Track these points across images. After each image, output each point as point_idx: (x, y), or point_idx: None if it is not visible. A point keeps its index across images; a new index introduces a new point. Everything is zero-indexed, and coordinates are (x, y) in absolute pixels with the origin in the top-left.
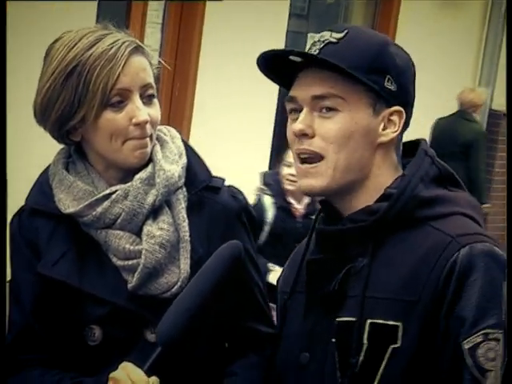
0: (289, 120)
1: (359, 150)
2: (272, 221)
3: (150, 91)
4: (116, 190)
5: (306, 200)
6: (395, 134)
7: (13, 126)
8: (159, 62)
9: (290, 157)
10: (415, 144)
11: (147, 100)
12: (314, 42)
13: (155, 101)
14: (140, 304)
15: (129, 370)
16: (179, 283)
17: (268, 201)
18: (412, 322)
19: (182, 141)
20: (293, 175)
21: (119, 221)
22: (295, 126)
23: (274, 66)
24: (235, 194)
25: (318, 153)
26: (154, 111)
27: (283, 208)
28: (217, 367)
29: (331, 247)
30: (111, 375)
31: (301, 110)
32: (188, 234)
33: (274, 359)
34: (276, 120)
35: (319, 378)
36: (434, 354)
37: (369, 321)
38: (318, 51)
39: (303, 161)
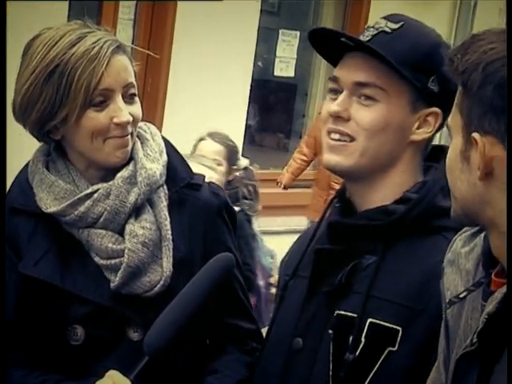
0: (327, 97)
1: (390, 143)
2: None
3: (132, 90)
4: (98, 189)
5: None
6: (428, 134)
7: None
8: (132, 48)
9: (199, 147)
10: (440, 149)
11: (129, 99)
12: (367, 27)
13: (136, 99)
14: (123, 303)
15: (115, 378)
16: (162, 282)
17: None
18: (414, 330)
19: (162, 138)
20: None
21: (101, 220)
22: (332, 106)
23: (325, 42)
24: (215, 190)
25: (350, 135)
26: (136, 110)
27: None
28: (199, 364)
29: (341, 240)
30: (97, 383)
31: (341, 92)
32: (170, 232)
33: (265, 339)
34: (248, 111)
35: (309, 366)
36: (431, 364)
37: (369, 319)
38: (369, 37)
39: (334, 139)
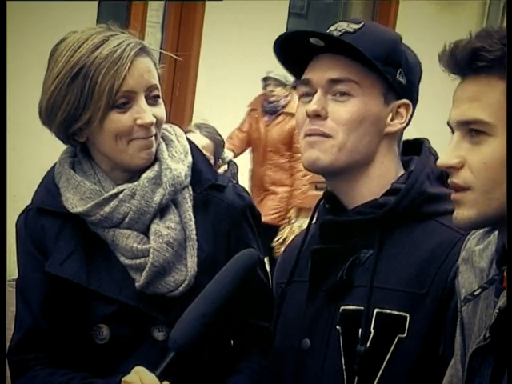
0: (298, 103)
1: (367, 136)
2: None
3: (155, 92)
4: (123, 189)
5: None
6: (402, 125)
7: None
8: (160, 54)
9: None
10: (417, 143)
11: (152, 101)
12: (329, 30)
13: (160, 101)
14: (147, 302)
15: (141, 374)
16: (186, 282)
17: None
18: (419, 314)
19: (187, 139)
20: None
21: (127, 220)
22: (309, 106)
23: (289, 50)
24: (240, 191)
25: (327, 134)
26: (159, 111)
27: None
28: (223, 365)
29: (336, 238)
30: (124, 379)
31: (313, 94)
32: (195, 232)
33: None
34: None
35: (320, 364)
36: (440, 347)
37: (376, 310)
38: (341, 36)
39: (310, 135)
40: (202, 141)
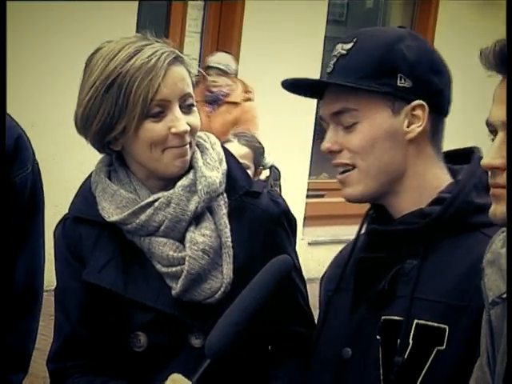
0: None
1: (388, 153)
2: None
3: (190, 101)
4: (159, 198)
5: None
6: (421, 127)
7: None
8: (199, 71)
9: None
10: (469, 151)
11: (186, 109)
12: (331, 56)
13: (194, 109)
14: (184, 310)
15: (177, 381)
16: (222, 289)
17: None
18: (459, 327)
19: (222, 147)
20: None
21: (162, 228)
22: (322, 145)
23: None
24: (275, 198)
25: (349, 164)
26: (194, 119)
27: None
28: (260, 371)
29: (382, 247)
30: None
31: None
32: (230, 239)
33: (311, 353)
34: (316, 124)
35: (359, 374)
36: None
37: (415, 321)
38: (332, 67)
39: (341, 172)
40: (240, 150)
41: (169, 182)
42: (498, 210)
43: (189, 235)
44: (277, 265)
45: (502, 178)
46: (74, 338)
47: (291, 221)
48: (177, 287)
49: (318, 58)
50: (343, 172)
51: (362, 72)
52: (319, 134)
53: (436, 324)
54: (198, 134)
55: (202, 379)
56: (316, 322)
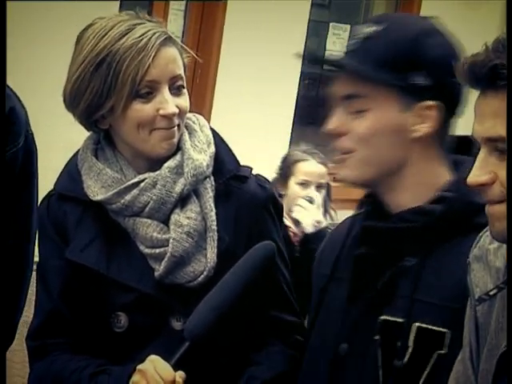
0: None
1: (390, 147)
2: None
3: (179, 82)
4: (145, 179)
5: (308, 220)
6: (430, 128)
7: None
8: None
9: (303, 170)
10: (469, 140)
11: (176, 91)
12: (353, 34)
13: (184, 91)
14: (166, 292)
15: (156, 363)
16: (205, 273)
17: None
18: (461, 331)
19: (211, 129)
20: (309, 198)
21: (147, 209)
22: (328, 125)
23: None
24: (262, 182)
25: (349, 148)
26: (183, 102)
27: None
28: (241, 356)
29: (379, 243)
30: (139, 367)
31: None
32: (215, 223)
33: (305, 342)
34: (296, 110)
35: (358, 373)
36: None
37: (416, 324)
38: (352, 47)
39: (340, 154)
40: (319, 169)
41: (156, 163)
42: (496, 227)
43: (174, 217)
44: (260, 251)
45: (493, 192)
46: (55, 316)
47: (278, 206)
48: (160, 269)
49: (301, 41)
50: (343, 154)
51: (383, 61)
52: (299, 117)
53: (437, 328)
54: (188, 115)
55: (180, 362)
56: (310, 307)
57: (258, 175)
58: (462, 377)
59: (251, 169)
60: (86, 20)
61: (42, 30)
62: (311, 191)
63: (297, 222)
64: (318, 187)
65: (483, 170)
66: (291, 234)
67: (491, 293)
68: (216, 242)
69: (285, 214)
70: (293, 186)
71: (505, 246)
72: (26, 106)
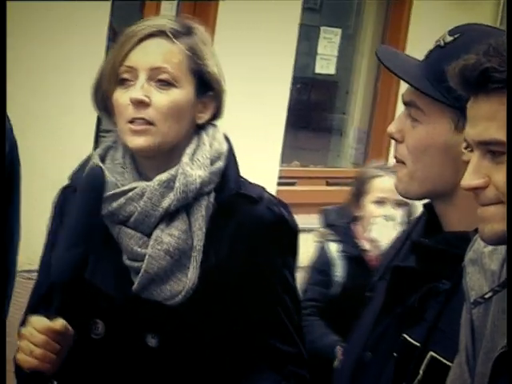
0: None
1: (437, 165)
2: (342, 278)
3: (163, 76)
4: (134, 188)
5: (386, 238)
6: None
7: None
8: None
9: (377, 187)
10: None
11: (159, 85)
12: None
13: (172, 89)
14: (142, 307)
15: (32, 321)
16: (183, 293)
17: (334, 249)
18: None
19: (228, 143)
20: (387, 216)
21: (132, 219)
22: (389, 128)
23: None
24: (272, 205)
25: (401, 158)
26: (162, 98)
27: (355, 258)
28: (235, 381)
29: (422, 259)
30: (21, 332)
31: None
32: (201, 243)
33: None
34: (288, 115)
35: (375, 382)
36: None
37: (430, 353)
38: (426, 55)
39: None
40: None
41: (161, 165)
42: (487, 229)
43: (155, 233)
44: None
45: (486, 195)
46: (40, 307)
47: (288, 231)
48: (135, 283)
49: (292, 45)
50: (397, 162)
51: (444, 77)
52: (291, 121)
53: (449, 363)
54: (207, 126)
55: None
56: None
57: (271, 196)
58: (459, 380)
59: (263, 188)
60: (85, 20)
61: (41, 30)
62: (388, 209)
63: (374, 242)
64: (396, 204)
65: (477, 174)
66: (368, 259)
67: (487, 296)
68: (199, 263)
69: (361, 236)
70: (368, 206)
71: (500, 248)
72: (26, 105)
